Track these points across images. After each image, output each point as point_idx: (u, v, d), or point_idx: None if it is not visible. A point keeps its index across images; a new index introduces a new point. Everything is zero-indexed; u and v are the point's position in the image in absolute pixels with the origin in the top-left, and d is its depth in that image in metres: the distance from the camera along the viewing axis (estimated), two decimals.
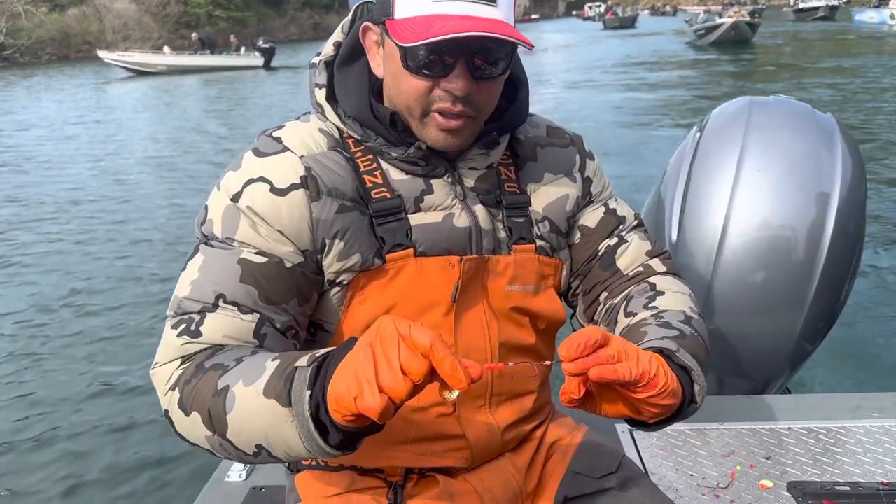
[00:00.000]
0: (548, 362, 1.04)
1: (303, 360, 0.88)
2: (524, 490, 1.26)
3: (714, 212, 2.12)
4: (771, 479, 1.65)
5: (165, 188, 9.91)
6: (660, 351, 1.02)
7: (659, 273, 1.28)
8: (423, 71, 1.03)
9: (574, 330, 1.41)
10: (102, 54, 30.28)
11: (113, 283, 6.20)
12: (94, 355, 4.80)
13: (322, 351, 0.89)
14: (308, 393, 0.84)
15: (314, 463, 1.24)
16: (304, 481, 1.27)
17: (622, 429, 1.90)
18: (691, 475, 1.69)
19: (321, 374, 0.85)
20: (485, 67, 1.04)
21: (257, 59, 30.40)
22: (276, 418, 0.88)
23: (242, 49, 32.37)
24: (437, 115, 1.06)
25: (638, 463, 1.74)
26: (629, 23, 50.95)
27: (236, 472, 1.77)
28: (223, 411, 0.93)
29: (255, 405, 0.90)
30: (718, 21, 30.08)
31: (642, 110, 13.80)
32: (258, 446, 0.93)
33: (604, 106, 14.45)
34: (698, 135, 2.30)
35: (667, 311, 1.16)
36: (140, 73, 28.70)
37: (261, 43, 31.38)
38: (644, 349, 0.98)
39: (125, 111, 18.17)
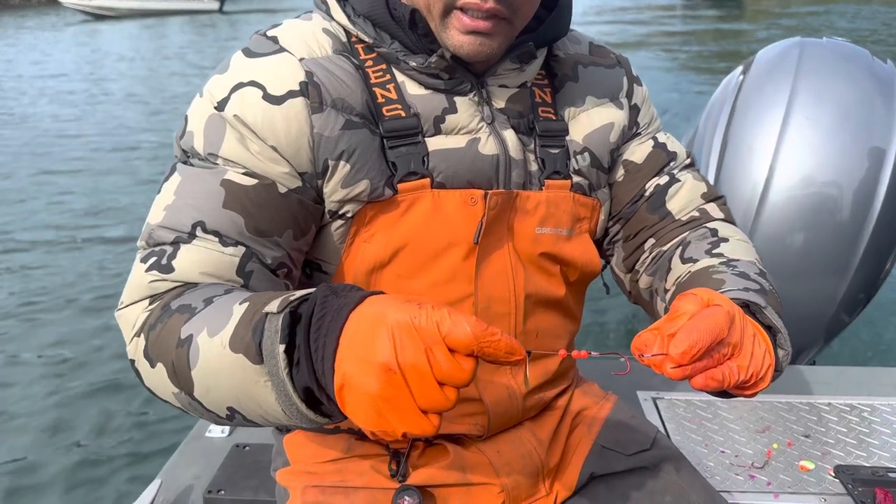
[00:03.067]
0: (649, 355, 0.71)
1: (273, 305, 0.69)
2: (546, 464, 1.09)
3: (756, 164, 1.93)
4: (812, 461, 1.49)
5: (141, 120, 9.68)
6: (745, 305, 0.84)
7: (717, 219, 1.10)
8: None
9: (605, 284, 1.24)
10: None
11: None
12: (69, 302, 4.62)
13: (298, 293, 0.70)
14: (281, 347, 0.66)
15: None
16: (293, 443, 1.11)
17: (644, 396, 1.74)
18: (723, 452, 1.53)
19: (310, 328, 0.66)
20: None
21: (212, 3, 31.56)
22: (245, 377, 0.70)
23: None
24: (460, 13, 0.86)
25: None
26: None
27: (218, 427, 1.61)
28: (187, 366, 0.75)
29: (220, 361, 0.72)
30: None
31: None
32: (230, 409, 0.75)
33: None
34: (741, 77, 2.09)
35: (738, 260, 0.98)
36: (98, 16, 28.94)
37: None
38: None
39: (92, 55, 17.68)
